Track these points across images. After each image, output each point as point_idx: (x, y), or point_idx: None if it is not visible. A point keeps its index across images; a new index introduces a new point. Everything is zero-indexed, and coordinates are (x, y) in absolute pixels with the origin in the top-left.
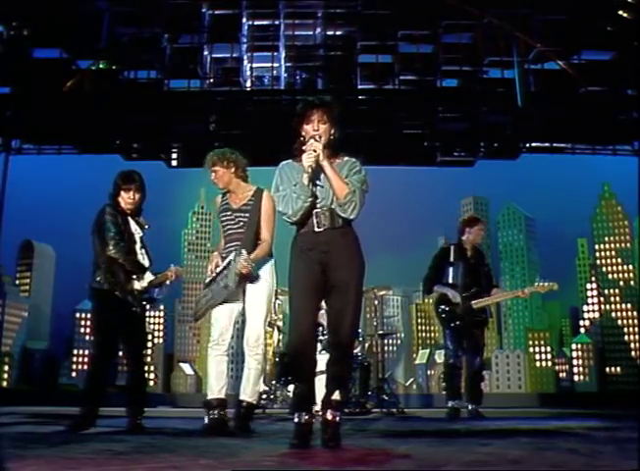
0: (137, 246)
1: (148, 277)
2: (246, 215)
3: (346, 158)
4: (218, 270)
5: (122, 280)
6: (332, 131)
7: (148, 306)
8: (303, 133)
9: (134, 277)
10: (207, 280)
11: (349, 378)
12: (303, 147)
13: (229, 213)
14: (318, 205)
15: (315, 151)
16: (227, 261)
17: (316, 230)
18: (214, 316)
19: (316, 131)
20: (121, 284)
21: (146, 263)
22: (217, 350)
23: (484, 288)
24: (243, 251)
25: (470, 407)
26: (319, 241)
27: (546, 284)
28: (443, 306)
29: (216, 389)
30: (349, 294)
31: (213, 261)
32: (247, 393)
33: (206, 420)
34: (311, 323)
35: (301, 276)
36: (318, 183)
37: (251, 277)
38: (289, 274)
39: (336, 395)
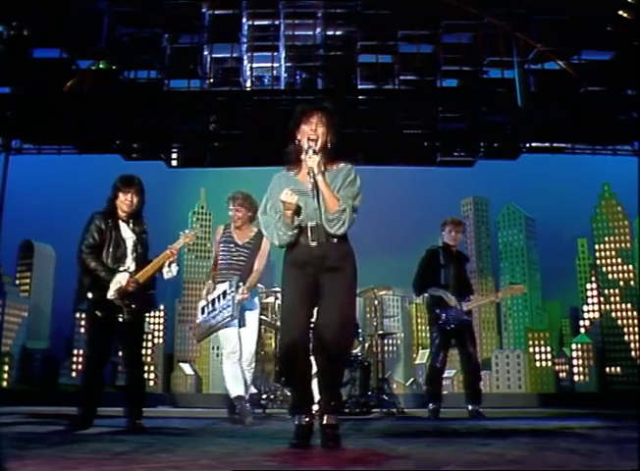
0: (129, 251)
1: (118, 280)
2: (247, 251)
3: (341, 164)
4: (212, 297)
5: (94, 286)
6: (329, 137)
7: (144, 306)
8: (299, 137)
9: (106, 283)
10: (202, 304)
11: (341, 382)
12: (302, 157)
13: (232, 245)
14: (310, 222)
15: (312, 162)
16: (222, 290)
17: (311, 244)
18: (224, 336)
19: (313, 132)
20: (94, 289)
21: (132, 267)
22: (232, 359)
23: (469, 291)
24: (241, 283)
25: (471, 408)
26: (313, 255)
27: (515, 286)
28: (439, 309)
29: (239, 388)
30: (339, 302)
31: (206, 287)
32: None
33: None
34: (304, 331)
35: (295, 288)
36: (309, 195)
37: (246, 303)
38: (282, 285)
39: (329, 401)
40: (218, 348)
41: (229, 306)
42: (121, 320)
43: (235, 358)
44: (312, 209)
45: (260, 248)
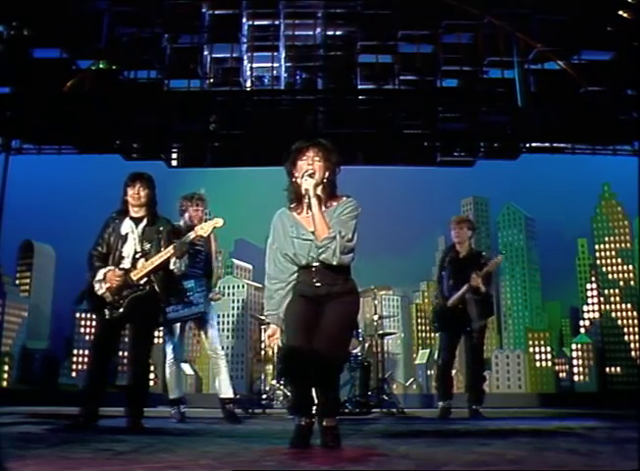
0: (129, 249)
1: (100, 275)
2: (200, 248)
3: (343, 199)
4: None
5: (94, 284)
6: (326, 173)
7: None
8: (296, 174)
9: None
10: None
11: (337, 388)
12: (298, 181)
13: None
14: (314, 263)
15: (308, 184)
16: (189, 286)
17: (316, 284)
18: (171, 333)
19: (310, 166)
20: (93, 288)
21: (128, 264)
22: (178, 361)
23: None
24: (215, 289)
25: (473, 407)
26: (318, 294)
27: (491, 261)
28: (434, 310)
29: (180, 389)
30: (337, 332)
31: None
32: (224, 391)
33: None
34: (307, 337)
35: (299, 319)
36: (311, 240)
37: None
38: (285, 313)
39: (328, 404)
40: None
41: (200, 303)
42: (108, 317)
43: (181, 359)
44: (315, 254)
45: (211, 249)
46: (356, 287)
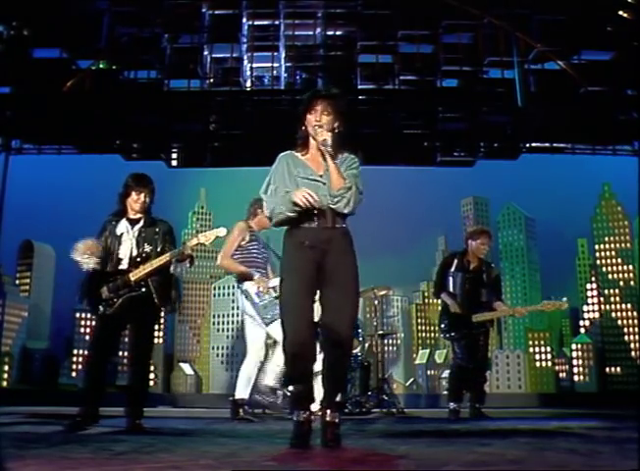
0: (125, 250)
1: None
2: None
3: (345, 154)
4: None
5: (90, 286)
6: (335, 125)
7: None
8: (306, 123)
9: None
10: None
11: (347, 378)
12: (311, 131)
13: (260, 245)
14: (318, 205)
15: (324, 135)
16: (274, 285)
17: (317, 228)
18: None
19: (318, 122)
20: (91, 289)
21: (125, 266)
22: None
23: (486, 301)
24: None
25: (477, 406)
26: (319, 239)
27: (552, 302)
28: (442, 316)
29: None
30: (348, 292)
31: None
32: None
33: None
34: (309, 320)
35: (298, 273)
36: (320, 179)
37: None
38: (281, 268)
39: (335, 397)
40: (218, 348)
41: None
42: (101, 313)
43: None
44: (322, 194)
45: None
46: (352, 241)
